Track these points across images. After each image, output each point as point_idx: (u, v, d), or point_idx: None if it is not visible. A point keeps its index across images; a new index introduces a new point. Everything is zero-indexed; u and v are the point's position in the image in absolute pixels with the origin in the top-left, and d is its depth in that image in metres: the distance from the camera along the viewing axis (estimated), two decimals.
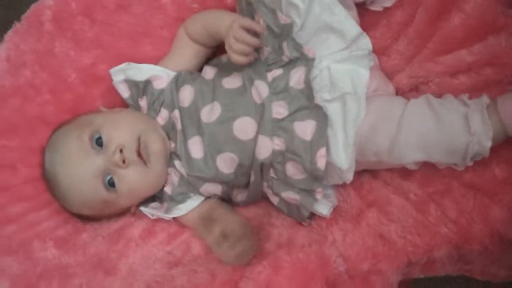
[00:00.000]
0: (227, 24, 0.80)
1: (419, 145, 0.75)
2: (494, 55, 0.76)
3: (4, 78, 0.90)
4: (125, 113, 0.90)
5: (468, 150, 0.73)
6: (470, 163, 0.75)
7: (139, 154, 0.82)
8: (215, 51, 0.93)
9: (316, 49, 0.81)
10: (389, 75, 0.89)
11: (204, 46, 0.90)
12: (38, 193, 0.89)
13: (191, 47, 0.91)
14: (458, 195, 0.78)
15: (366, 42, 0.80)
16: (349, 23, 0.80)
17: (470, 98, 0.76)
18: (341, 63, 0.80)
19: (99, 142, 0.82)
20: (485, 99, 0.75)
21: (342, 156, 0.77)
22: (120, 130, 0.83)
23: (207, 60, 0.93)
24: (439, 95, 0.80)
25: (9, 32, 0.91)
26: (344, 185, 0.86)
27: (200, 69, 0.92)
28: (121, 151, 0.80)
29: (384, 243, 0.78)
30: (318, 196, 0.79)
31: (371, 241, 0.78)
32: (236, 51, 0.79)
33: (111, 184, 0.82)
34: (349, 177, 0.79)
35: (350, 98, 0.78)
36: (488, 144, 0.72)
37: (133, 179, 0.82)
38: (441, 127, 0.74)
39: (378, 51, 0.89)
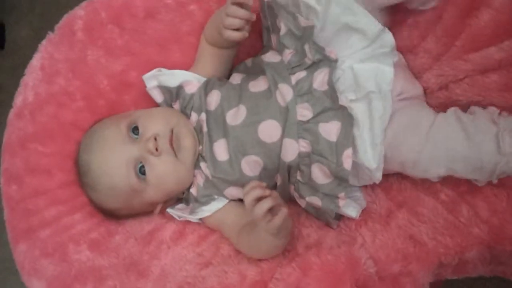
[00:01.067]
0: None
1: (446, 161, 0.75)
2: None
3: (39, 86, 0.93)
4: (160, 108, 0.94)
5: (496, 170, 0.73)
6: (495, 181, 0.75)
7: (171, 145, 0.84)
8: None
9: (338, 49, 0.81)
10: (417, 74, 0.88)
11: (220, 48, 0.91)
12: (72, 197, 0.91)
13: (210, 51, 0.92)
14: (490, 194, 0.77)
15: (388, 38, 0.80)
16: (370, 21, 0.79)
17: (500, 110, 0.76)
18: (364, 62, 0.80)
19: (135, 132, 0.86)
20: None
21: (370, 155, 0.77)
22: (155, 121, 0.86)
23: (233, 66, 0.95)
24: (470, 94, 0.80)
25: (43, 42, 0.94)
26: (373, 186, 0.86)
27: (228, 76, 0.94)
28: (155, 139, 0.83)
29: (415, 245, 0.77)
30: (341, 203, 0.80)
31: (401, 242, 0.78)
32: (227, 26, 0.81)
33: (142, 172, 0.84)
34: (378, 176, 0.79)
35: (375, 97, 0.77)
36: None
37: (163, 168, 0.84)
38: (471, 145, 0.74)
39: (405, 49, 0.89)
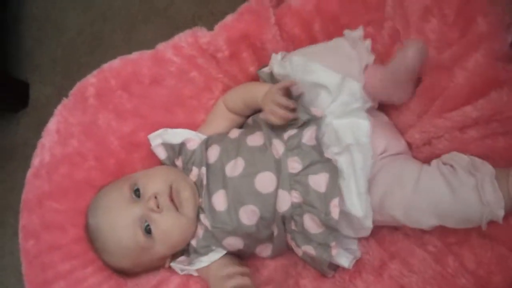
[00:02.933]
0: (263, 91, 0.88)
1: (434, 213, 0.78)
2: (497, 110, 0.78)
3: (55, 148, 0.99)
4: (158, 167, 1.00)
5: (483, 219, 0.76)
6: (484, 228, 0.77)
7: (172, 200, 0.89)
8: None
9: (317, 106, 0.87)
10: (402, 130, 0.92)
11: (240, 116, 0.98)
12: (84, 252, 0.96)
13: (228, 117, 0.99)
14: (476, 245, 0.79)
15: (352, 85, 0.84)
16: (327, 74, 0.85)
17: (479, 156, 0.80)
18: (341, 118, 0.85)
19: (137, 193, 0.90)
20: (489, 168, 0.77)
21: (356, 204, 0.81)
22: (154, 180, 0.91)
23: None
24: (450, 149, 0.83)
25: (58, 107, 1.01)
26: (366, 237, 0.89)
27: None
28: (155, 197, 0.87)
29: None
30: (334, 252, 0.83)
31: None
32: (278, 116, 0.85)
33: (147, 231, 0.88)
34: (368, 224, 0.82)
35: (354, 149, 0.82)
36: (501, 213, 0.75)
37: (167, 224, 0.88)
38: (456, 199, 0.76)
39: (390, 107, 0.93)
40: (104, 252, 0.94)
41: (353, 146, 0.82)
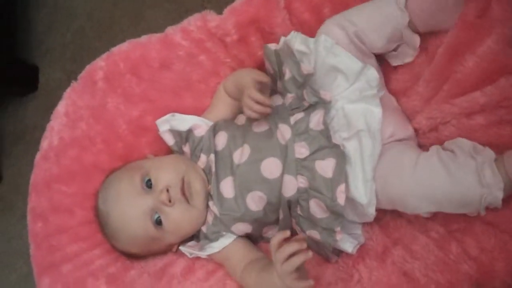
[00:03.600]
0: (251, 78, 0.88)
1: (432, 199, 0.78)
2: (505, 96, 0.78)
3: (64, 131, 1.00)
4: (169, 157, 1.00)
5: (482, 202, 0.75)
6: (483, 213, 0.77)
7: (183, 193, 0.89)
8: None
9: (330, 91, 0.87)
10: (410, 116, 0.92)
11: (237, 100, 0.98)
12: (92, 234, 0.97)
13: (227, 101, 0.99)
14: (479, 232, 0.79)
15: (372, 73, 0.84)
16: (350, 60, 0.85)
17: (483, 144, 0.79)
18: (354, 103, 0.85)
19: (148, 184, 0.90)
20: (490, 153, 0.78)
21: (361, 191, 0.81)
22: (166, 172, 0.91)
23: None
24: (456, 136, 0.83)
25: (68, 90, 1.02)
26: (370, 223, 0.89)
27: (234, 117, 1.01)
28: (167, 190, 0.88)
29: (408, 281, 0.80)
30: (338, 236, 0.83)
31: (396, 278, 0.81)
32: (247, 107, 0.87)
33: (158, 222, 0.89)
34: (371, 211, 0.82)
35: (365, 135, 0.82)
36: (500, 195, 0.74)
37: (178, 217, 0.89)
38: (454, 182, 0.76)
39: (399, 92, 0.93)
40: (113, 239, 0.95)
41: (364, 132, 0.82)
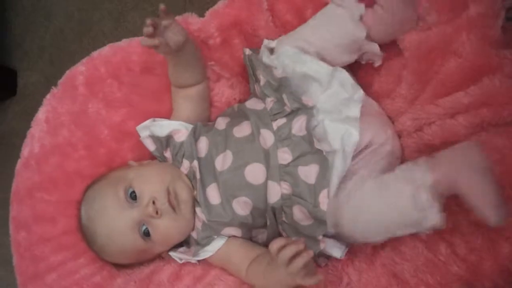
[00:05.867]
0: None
1: (376, 229, 0.78)
2: (489, 96, 0.78)
3: (44, 138, 0.98)
4: (152, 166, 0.97)
5: (422, 225, 0.74)
6: (431, 232, 0.76)
7: (170, 203, 0.88)
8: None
9: (310, 96, 0.86)
10: (394, 117, 0.92)
11: (185, 87, 0.96)
12: (76, 243, 0.96)
13: (179, 94, 0.97)
14: (467, 232, 0.79)
15: (343, 75, 0.83)
16: (318, 66, 0.85)
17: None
18: (335, 122, 0.83)
19: (132, 196, 0.89)
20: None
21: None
22: (150, 183, 0.89)
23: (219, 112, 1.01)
24: (439, 136, 0.83)
25: (48, 96, 1.00)
26: None
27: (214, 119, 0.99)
28: (153, 202, 0.87)
29: (398, 283, 0.80)
30: (322, 245, 0.83)
31: (385, 280, 0.81)
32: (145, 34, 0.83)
33: (146, 233, 0.88)
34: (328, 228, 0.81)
35: (338, 156, 0.81)
36: (438, 216, 0.72)
37: (166, 227, 0.88)
38: (391, 210, 0.75)
39: (383, 94, 0.93)
40: (102, 253, 0.94)
41: (338, 152, 0.81)
